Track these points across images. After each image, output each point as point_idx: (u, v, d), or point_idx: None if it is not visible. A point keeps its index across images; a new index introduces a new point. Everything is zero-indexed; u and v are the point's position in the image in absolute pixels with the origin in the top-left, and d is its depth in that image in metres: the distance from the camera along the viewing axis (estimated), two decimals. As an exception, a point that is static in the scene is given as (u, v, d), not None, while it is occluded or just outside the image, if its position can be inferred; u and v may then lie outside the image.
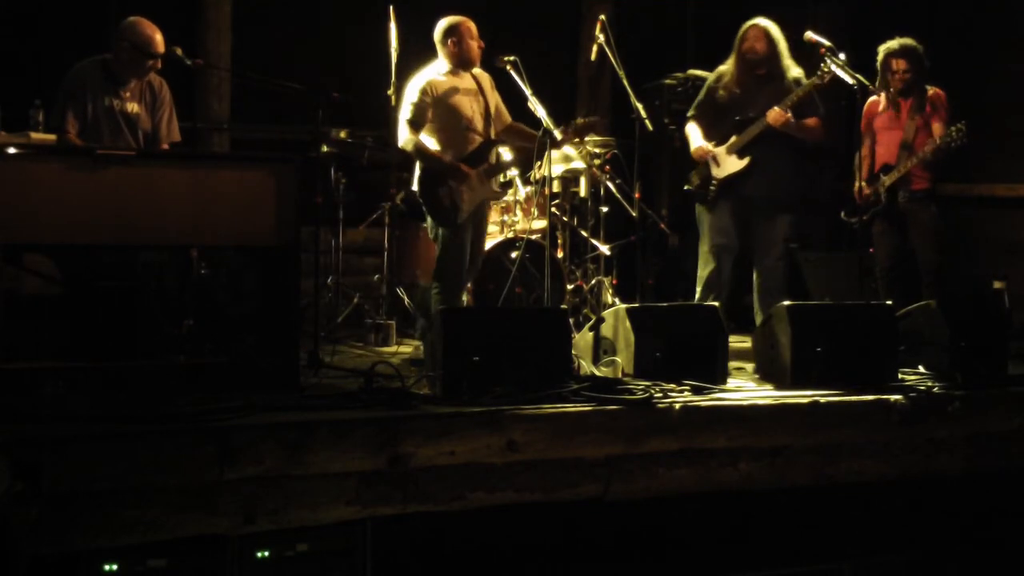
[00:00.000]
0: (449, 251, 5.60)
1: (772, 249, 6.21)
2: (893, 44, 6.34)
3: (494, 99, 5.79)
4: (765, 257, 6.23)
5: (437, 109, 5.58)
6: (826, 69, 5.91)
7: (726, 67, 6.36)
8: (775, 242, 6.21)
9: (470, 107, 5.64)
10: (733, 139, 6.21)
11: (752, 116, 6.15)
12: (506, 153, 6.12)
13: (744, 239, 6.28)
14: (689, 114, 6.39)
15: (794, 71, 6.22)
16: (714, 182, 6.25)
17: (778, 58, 6.20)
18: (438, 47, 5.63)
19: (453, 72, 5.64)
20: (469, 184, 5.56)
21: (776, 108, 6.03)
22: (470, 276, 5.83)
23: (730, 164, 6.22)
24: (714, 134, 6.32)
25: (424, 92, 5.55)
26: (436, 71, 5.64)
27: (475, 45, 5.60)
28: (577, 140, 5.94)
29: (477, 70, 5.72)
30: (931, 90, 6.34)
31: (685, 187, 6.51)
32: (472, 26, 5.61)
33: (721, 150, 6.25)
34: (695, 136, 6.35)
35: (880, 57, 6.38)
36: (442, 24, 5.63)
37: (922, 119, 6.29)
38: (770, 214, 6.20)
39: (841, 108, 6.66)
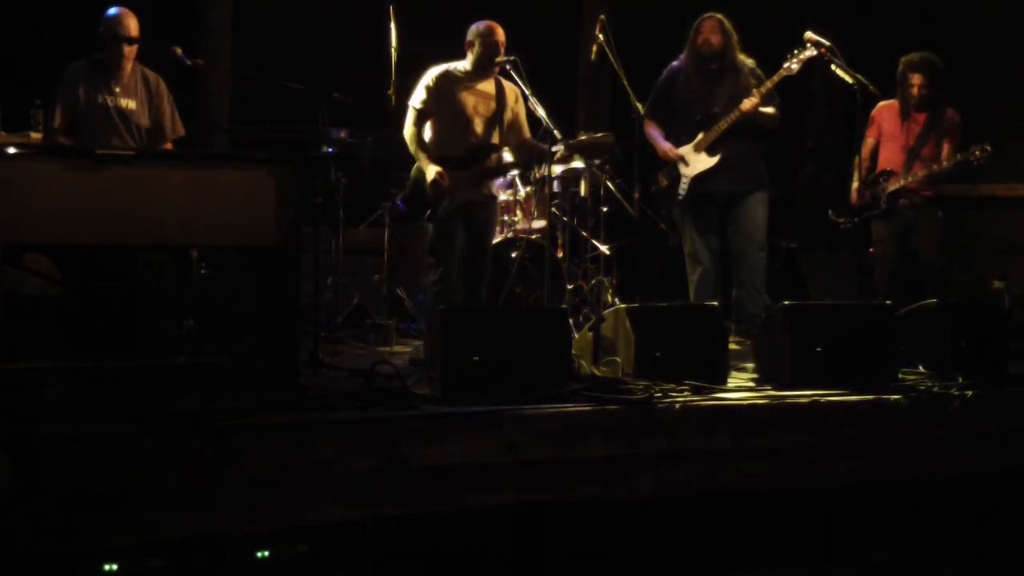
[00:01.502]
0: (439, 233, 5.66)
1: (753, 240, 6.21)
2: (914, 56, 6.33)
3: (513, 111, 5.77)
4: (746, 249, 6.22)
5: (443, 101, 5.61)
6: (800, 56, 5.93)
7: (679, 63, 6.35)
8: (755, 232, 6.20)
9: (474, 107, 5.65)
10: (700, 136, 6.19)
11: (716, 112, 6.14)
12: (506, 155, 6.09)
13: (724, 235, 6.28)
14: (644, 114, 6.14)
15: (749, 63, 6.23)
16: (685, 182, 6.23)
17: (732, 51, 6.20)
18: (466, 47, 5.66)
19: (472, 73, 5.65)
20: (452, 185, 5.56)
21: (751, 97, 6.03)
22: (479, 280, 5.81)
23: (700, 162, 6.20)
24: (673, 133, 6.30)
25: (435, 81, 5.61)
26: (456, 66, 5.68)
27: (494, 48, 5.58)
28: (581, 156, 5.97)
29: (508, 83, 5.73)
30: (949, 111, 6.35)
31: (653, 188, 6.52)
32: (499, 33, 5.61)
33: (688, 148, 6.23)
34: (658, 137, 6.32)
35: (899, 68, 6.38)
36: (472, 27, 5.66)
37: (936, 135, 6.29)
38: (745, 205, 6.20)
39: (841, 108, 6.66)
